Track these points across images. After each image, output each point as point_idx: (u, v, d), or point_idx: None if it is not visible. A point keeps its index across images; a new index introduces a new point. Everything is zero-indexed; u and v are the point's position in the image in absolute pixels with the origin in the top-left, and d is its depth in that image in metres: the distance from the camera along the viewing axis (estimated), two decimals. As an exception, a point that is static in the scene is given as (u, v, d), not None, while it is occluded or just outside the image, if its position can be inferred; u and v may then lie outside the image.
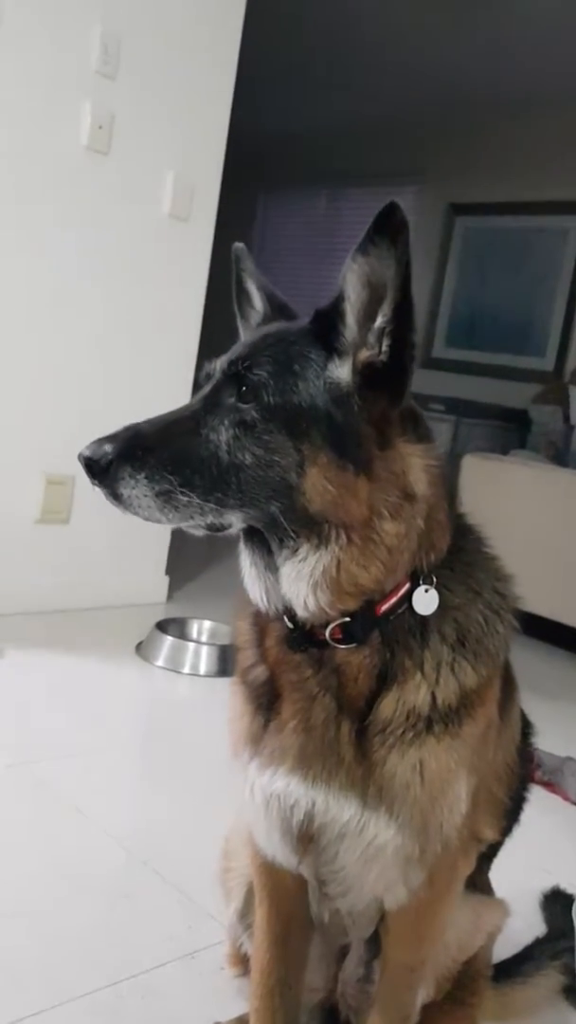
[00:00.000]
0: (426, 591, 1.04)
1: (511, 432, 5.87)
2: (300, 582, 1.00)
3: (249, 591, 1.08)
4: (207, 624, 3.41)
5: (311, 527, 0.99)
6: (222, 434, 1.01)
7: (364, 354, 0.99)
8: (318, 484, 0.97)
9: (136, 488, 0.99)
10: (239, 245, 1.23)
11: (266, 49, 4.70)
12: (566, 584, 3.76)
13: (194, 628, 3.39)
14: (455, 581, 1.07)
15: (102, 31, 3.19)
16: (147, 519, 1.02)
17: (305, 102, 6.52)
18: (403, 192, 6.94)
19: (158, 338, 3.62)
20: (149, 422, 1.05)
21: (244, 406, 1.00)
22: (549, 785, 2.55)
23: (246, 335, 1.18)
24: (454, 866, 1.15)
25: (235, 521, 1.03)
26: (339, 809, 1.06)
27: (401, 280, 0.94)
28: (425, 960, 1.21)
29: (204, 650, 3.11)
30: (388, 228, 0.93)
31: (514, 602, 1.12)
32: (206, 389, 1.06)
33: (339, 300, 0.99)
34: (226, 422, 1.01)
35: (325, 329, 1.01)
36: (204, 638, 3.33)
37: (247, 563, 1.08)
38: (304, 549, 0.99)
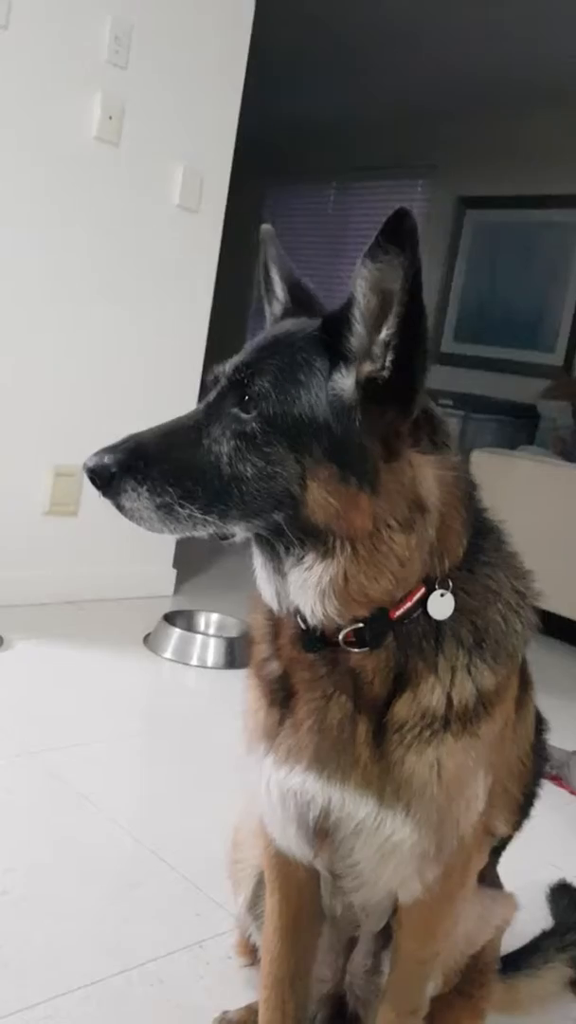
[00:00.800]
0: (441, 595, 1.02)
1: (519, 428, 5.85)
2: (307, 591, 0.99)
3: (262, 592, 1.08)
4: (214, 617, 3.42)
5: (316, 537, 0.97)
6: (223, 445, 0.99)
7: (367, 368, 0.96)
8: (319, 497, 0.96)
9: (138, 501, 0.99)
10: (267, 227, 1.18)
11: (276, 40, 4.69)
12: (574, 580, 3.75)
13: (202, 621, 3.39)
14: (473, 583, 1.06)
15: (113, 21, 3.19)
16: (150, 530, 1.02)
17: (315, 94, 6.50)
18: (413, 185, 6.93)
19: (167, 330, 3.62)
20: (151, 431, 1.03)
21: (245, 416, 0.99)
22: (556, 779, 2.56)
23: (265, 331, 1.14)
24: (468, 861, 1.16)
25: (239, 531, 1.02)
26: (355, 806, 1.06)
27: (408, 292, 0.90)
28: (437, 953, 1.21)
29: (212, 642, 3.12)
30: (397, 236, 0.89)
31: (533, 599, 1.11)
32: (211, 396, 1.04)
33: (348, 306, 0.96)
34: (227, 432, 1.00)
35: (333, 336, 0.98)
36: (212, 631, 3.34)
37: (259, 565, 1.07)
38: (310, 558, 0.98)
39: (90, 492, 3.91)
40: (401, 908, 1.16)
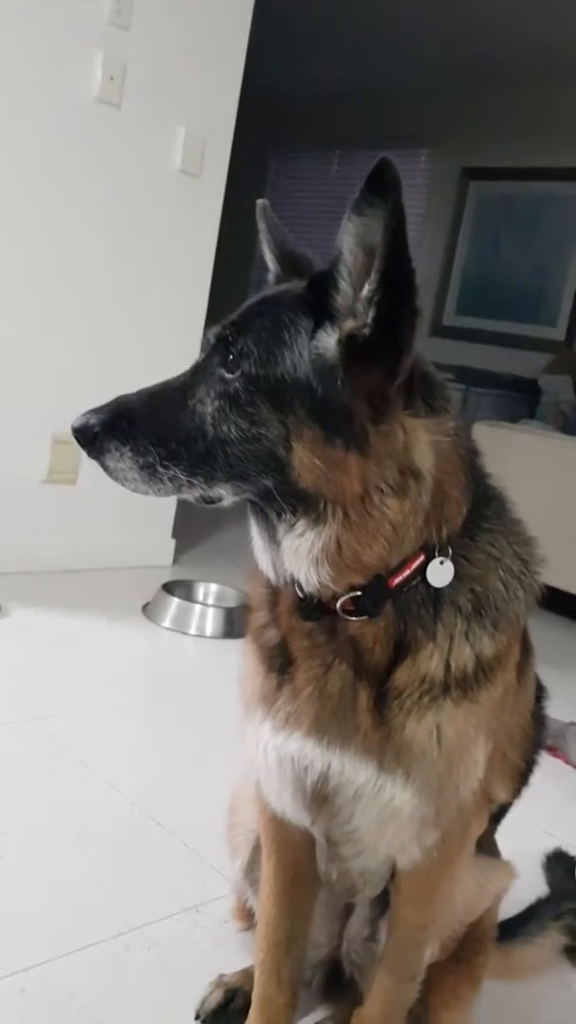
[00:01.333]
0: (441, 563, 1.01)
1: (520, 402, 5.83)
2: (300, 558, 0.98)
3: (258, 561, 1.06)
4: (213, 587, 3.41)
5: (307, 502, 0.95)
6: (208, 406, 0.99)
7: (349, 324, 0.93)
8: (305, 459, 0.94)
9: (121, 461, 0.99)
10: (262, 201, 1.17)
11: (280, 7, 4.61)
12: (573, 554, 3.75)
13: (200, 591, 3.39)
14: (474, 550, 1.04)
15: (115, -20, 3.13)
16: (135, 491, 1.01)
17: (320, 61, 6.42)
18: (416, 155, 6.85)
19: (168, 295, 3.59)
20: (138, 393, 1.03)
21: (229, 376, 0.97)
22: (552, 750, 2.56)
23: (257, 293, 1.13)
24: (467, 826, 1.15)
25: (225, 494, 1.01)
26: (355, 772, 1.05)
27: (391, 244, 0.87)
28: (435, 919, 1.21)
29: (210, 612, 3.12)
30: (379, 187, 0.86)
31: (537, 565, 1.10)
32: (200, 357, 1.04)
33: (334, 263, 0.93)
34: (212, 393, 0.99)
35: (318, 293, 0.95)
36: (210, 601, 3.33)
37: (254, 534, 1.06)
38: (302, 525, 0.97)
39: (89, 461, 3.91)
40: (399, 874, 1.16)
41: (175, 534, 3.87)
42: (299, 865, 1.24)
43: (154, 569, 3.68)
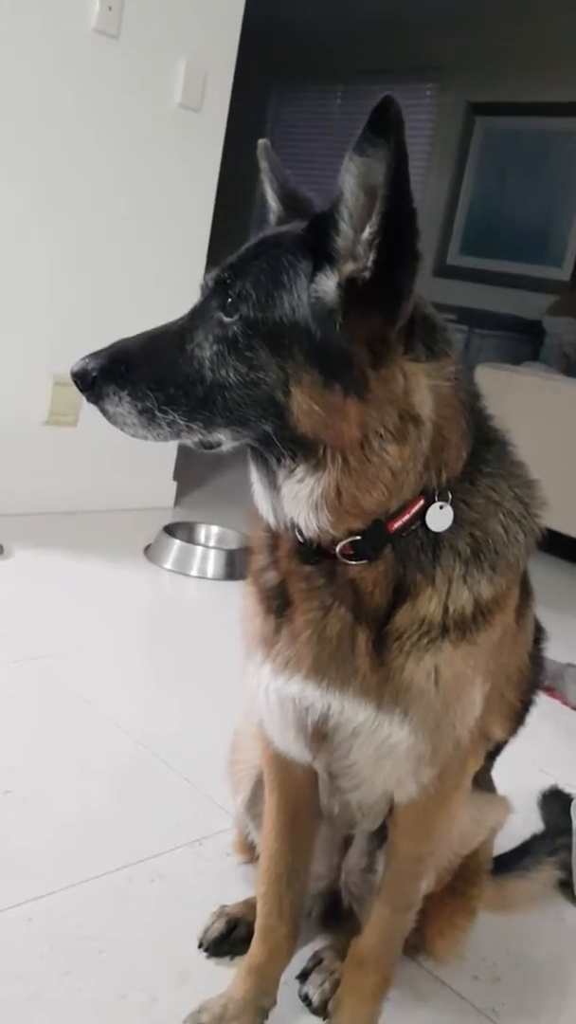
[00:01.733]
0: (440, 508, 1.01)
1: (524, 344, 5.78)
2: (300, 503, 0.98)
3: (258, 507, 1.07)
4: (215, 529, 3.43)
5: (307, 448, 0.95)
6: (206, 350, 0.98)
7: (349, 267, 0.92)
8: (304, 404, 0.93)
9: (120, 405, 0.99)
10: (263, 141, 1.15)
11: None
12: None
13: (202, 532, 3.41)
14: (474, 494, 1.04)
15: None
16: (134, 436, 1.01)
17: (323, -10, 6.25)
18: (421, 90, 6.70)
19: (168, 233, 3.53)
20: (137, 337, 1.03)
21: (227, 320, 0.97)
22: (549, 690, 2.60)
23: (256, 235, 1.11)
24: (464, 763, 1.17)
25: (224, 439, 1.01)
26: (354, 712, 1.07)
27: (392, 185, 0.85)
28: (432, 852, 1.24)
29: (212, 554, 3.13)
30: (381, 125, 0.84)
31: (538, 508, 1.10)
32: (198, 300, 1.03)
33: (335, 204, 0.91)
34: (210, 337, 0.98)
35: (318, 235, 0.94)
36: (212, 543, 3.35)
37: (254, 479, 1.06)
38: (301, 470, 0.97)
39: (90, 403, 3.88)
40: (397, 808, 1.18)
41: (176, 476, 3.87)
42: (301, 800, 1.27)
43: (155, 511, 3.69)
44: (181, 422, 0.99)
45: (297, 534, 1.02)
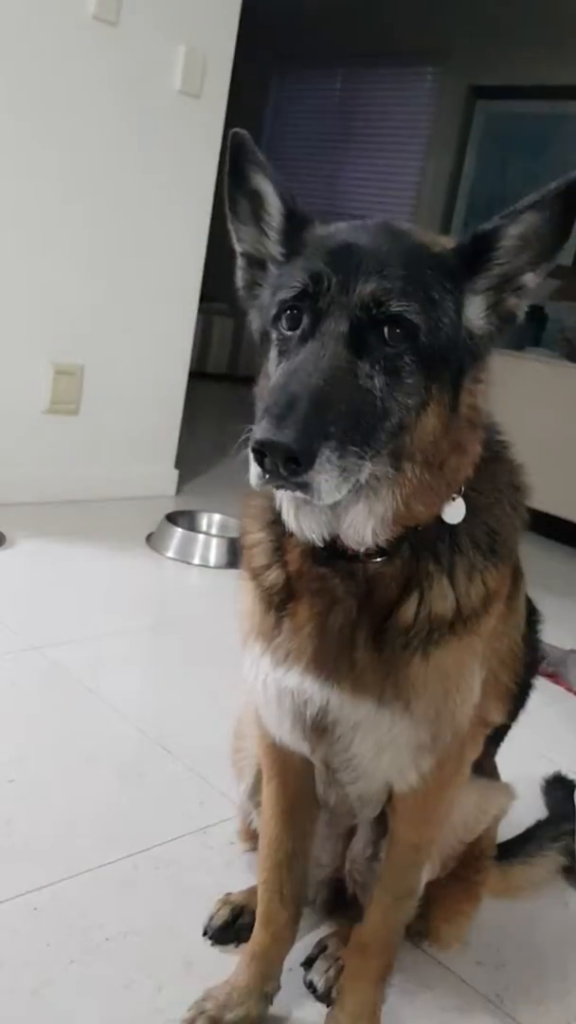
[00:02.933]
0: (453, 499, 1.02)
1: (526, 329, 5.75)
2: (371, 518, 0.97)
3: (288, 523, 1.03)
4: (216, 517, 3.43)
5: (396, 465, 0.95)
6: (376, 381, 0.93)
7: (512, 302, 0.98)
8: (431, 423, 0.95)
9: (331, 471, 0.87)
10: (240, 132, 1.07)
11: None
12: (577, 482, 3.75)
13: (204, 521, 3.41)
14: (481, 482, 1.06)
15: None
16: (327, 501, 0.90)
17: (322, -27, 6.20)
18: (422, 73, 6.66)
19: (169, 219, 3.52)
20: (311, 380, 0.89)
21: (391, 350, 0.93)
22: (553, 676, 2.60)
23: (368, 237, 1.00)
24: (463, 750, 1.18)
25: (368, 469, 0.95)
26: (354, 706, 1.07)
27: (557, 251, 0.96)
28: (432, 839, 1.25)
29: (214, 542, 3.13)
30: (569, 198, 0.94)
31: (527, 494, 1.12)
32: (342, 324, 0.93)
33: (493, 237, 0.97)
34: (377, 367, 0.93)
35: (475, 262, 0.98)
36: (214, 531, 3.35)
37: (287, 497, 1.01)
38: (384, 487, 0.96)
39: (91, 391, 3.87)
40: (396, 796, 1.19)
41: (178, 464, 3.87)
42: (298, 789, 1.27)
43: (157, 499, 3.69)
44: (368, 465, 0.91)
45: (324, 542, 1.01)
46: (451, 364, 0.96)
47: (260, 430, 0.85)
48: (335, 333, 0.93)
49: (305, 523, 1.01)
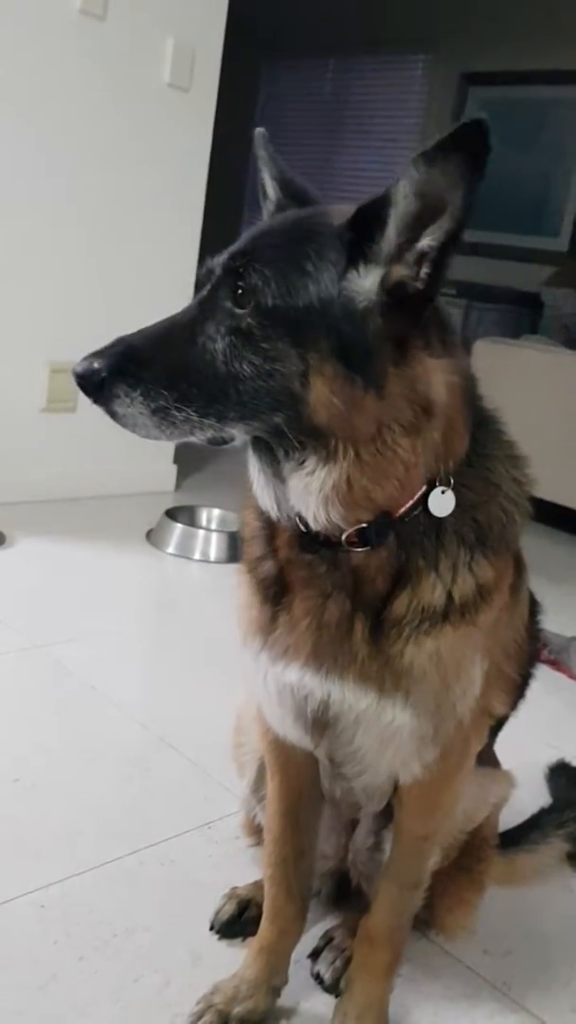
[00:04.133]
0: (442, 492, 1.01)
1: (523, 316, 5.75)
2: (309, 496, 0.97)
3: (258, 498, 1.05)
4: (216, 512, 3.43)
5: (318, 439, 0.94)
6: (218, 342, 0.95)
7: (400, 272, 0.91)
8: (323, 396, 0.92)
9: (132, 407, 0.95)
10: (259, 130, 1.13)
11: None
12: (576, 469, 3.75)
13: (203, 516, 3.41)
14: (473, 477, 1.05)
15: None
16: (145, 436, 0.98)
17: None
18: (414, 61, 6.63)
19: (161, 216, 3.51)
20: (142, 332, 0.98)
21: (239, 311, 0.94)
22: (555, 664, 2.60)
23: (263, 221, 1.08)
24: (467, 741, 1.18)
25: (237, 434, 0.99)
26: (355, 699, 1.07)
27: (464, 209, 0.87)
28: (438, 830, 1.25)
29: (214, 537, 3.13)
30: (468, 146, 0.84)
31: (530, 487, 1.10)
32: (204, 290, 0.99)
33: (384, 204, 0.90)
34: (222, 328, 0.95)
35: (360, 232, 0.93)
36: (213, 526, 3.35)
37: (255, 470, 1.04)
38: (311, 462, 0.96)
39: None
40: (402, 788, 1.19)
41: (176, 460, 3.87)
42: (303, 784, 1.27)
43: (156, 495, 3.69)
44: (195, 419, 0.96)
45: (300, 524, 1.02)
46: (325, 333, 0.92)
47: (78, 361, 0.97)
48: (197, 297, 1.00)
49: (263, 494, 1.04)
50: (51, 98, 3.09)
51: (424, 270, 0.91)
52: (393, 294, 0.92)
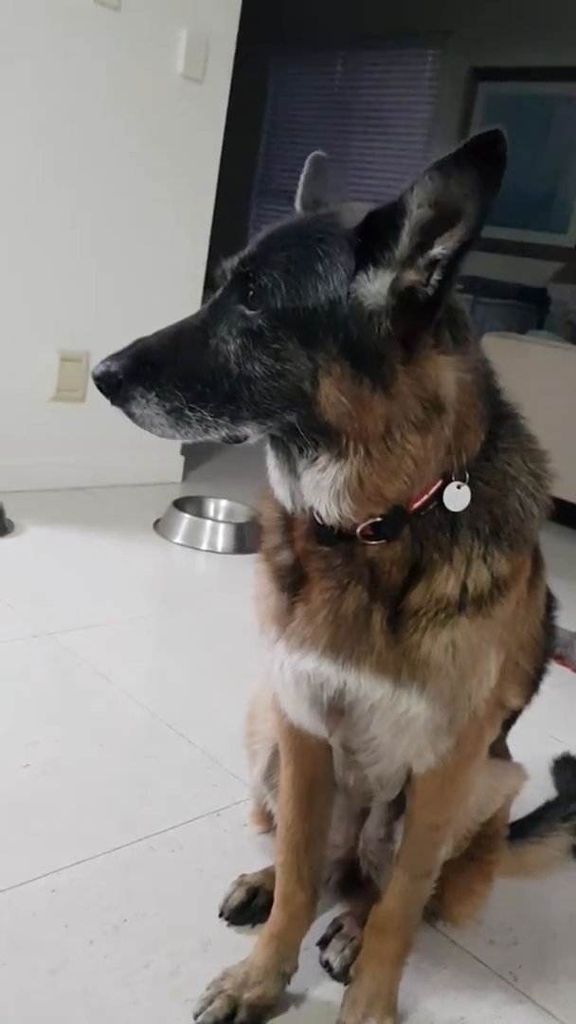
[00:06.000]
0: (458, 487, 1.02)
1: (529, 311, 5.75)
2: (321, 492, 0.99)
3: (275, 492, 1.07)
4: (223, 503, 3.43)
5: (330, 437, 0.96)
6: (230, 344, 0.98)
7: (411, 277, 0.93)
8: (331, 395, 0.94)
9: (148, 407, 0.98)
10: (317, 153, 1.17)
11: None
12: (582, 465, 3.75)
13: (211, 507, 3.41)
14: (491, 471, 1.05)
15: None
16: (161, 436, 1.01)
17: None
18: (423, 56, 6.62)
19: (172, 207, 3.51)
20: (157, 335, 1.01)
21: (250, 313, 0.96)
22: (560, 658, 2.61)
23: (275, 223, 1.07)
24: (481, 732, 1.19)
25: (251, 432, 1.01)
26: (371, 688, 1.08)
27: (478, 219, 0.88)
28: (450, 820, 1.26)
29: (221, 527, 3.14)
30: (484, 157, 0.86)
31: (549, 481, 1.11)
32: (216, 293, 1.02)
33: (397, 210, 0.91)
34: (233, 330, 0.98)
35: (371, 237, 0.94)
36: (221, 516, 3.36)
37: (272, 464, 1.07)
38: (323, 459, 0.97)
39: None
40: (415, 778, 1.20)
41: (184, 451, 3.87)
42: (316, 772, 1.28)
43: (164, 486, 3.70)
44: (209, 419, 0.99)
45: (316, 517, 1.03)
46: (333, 334, 0.93)
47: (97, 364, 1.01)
48: (210, 300, 1.02)
49: (278, 488, 1.06)
50: (65, 87, 3.09)
51: (435, 276, 0.92)
52: (403, 298, 0.93)
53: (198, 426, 0.99)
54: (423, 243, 0.92)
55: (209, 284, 3.88)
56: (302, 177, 1.15)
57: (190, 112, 3.45)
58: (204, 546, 3.10)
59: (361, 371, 0.93)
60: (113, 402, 1.00)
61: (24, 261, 3.17)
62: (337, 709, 1.13)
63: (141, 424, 1.00)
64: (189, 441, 1.04)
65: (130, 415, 1.00)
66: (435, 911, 1.44)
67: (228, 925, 1.42)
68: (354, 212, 0.99)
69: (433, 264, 0.92)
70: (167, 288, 3.48)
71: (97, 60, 3.14)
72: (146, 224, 3.45)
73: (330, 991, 1.33)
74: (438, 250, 0.91)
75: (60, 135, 3.12)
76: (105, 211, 3.32)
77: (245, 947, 1.32)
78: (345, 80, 7.19)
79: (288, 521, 1.12)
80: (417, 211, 0.90)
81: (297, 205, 1.15)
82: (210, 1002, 1.24)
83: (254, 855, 1.56)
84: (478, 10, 6.10)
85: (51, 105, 3.07)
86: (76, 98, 3.13)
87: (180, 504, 3.23)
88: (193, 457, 3.96)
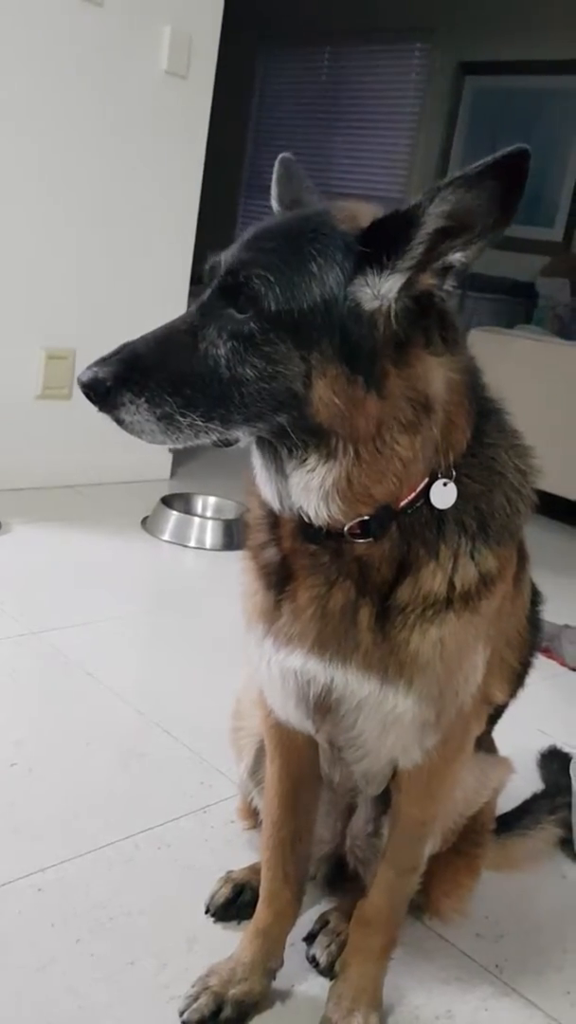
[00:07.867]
0: (444, 484, 1.02)
1: (517, 306, 5.75)
2: (310, 493, 0.99)
3: (262, 492, 1.07)
4: (211, 500, 3.43)
5: (320, 438, 0.96)
6: (220, 348, 0.96)
7: (428, 281, 0.93)
8: (325, 396, 0.94)
9: (137, 414, 0.96)
10: (286, 155, 1.15)
11: None
12: (571, 459, 3.76)
13: (199, 503, 3.41)
14: (477, 467, 1.06)
15: None
16: (151, 442, 0.99)
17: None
18: (410, 50, 6.61)
19: (157, 202, 3.50)
20: (145, 339, 0.99)
21: (241, 316, 0.95)
22: (547, 651, 2.62)
23: (264, 221, 1.07)
24: (467, 727, 1.19)
25: (242, 435, 1.00)
26: (358, 685, 1.08)
27: (496, 233, 0.90)
28: (436, 815, 1.26)
29: (209, 524, 3.14)
30: (508, 173, 0.88)
31: (534, 476, 1.11)
32: (204, 295, 1.00)
33: (412, 217, 0.91)
34: (224, 334, 0.96)
35: (376, 240, 0.93)
36: (209, 513, 3.36)
37: (259, 465, 1.06)
38: (313, 460, 0.97)
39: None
40: (401, 774, 1.20)
41: (171, 448, 3.86)
42: (302, 768, 1.28)
43: (152, 483, 3.69)
44: (200, 423, 0.97)
45: (303, 517, 1.03)
46: (328, 334, 0.93)
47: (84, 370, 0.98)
48: (197, 303, 1.00)
49: (265, 488, 1.06)
50: (48, 84, 3.08)
51: (450, 282, 0.94)
52: (420, 302, 0.94)
53: (189, 431, 0.98)
54: (438, 250, 0.92)
55: (196, 280, 3.88)
56: (274, 178, 1.14)
57: (175, 108, 3.44)
58: (192, 543, 3.09)
59: (356, 372, 0.93)
60: (101, 409, 0.98)
61: (8, 258, 3.15)
62: (324, 706, 1.13)
63: (131, 431, 0.98)
64: (180, 447, 1.03)
65: (119, 422, 0.98)
66: (421, 905, 1.44)
67: (214, 922, 1.42)
68: (345, 212, 1.00)
69: (447, 270, 0.93)
70: (153, 285, 3.48)
71: (80, 56, 3.13)
72: (131, 221, 3.44)
73: (316, 987, 1.33)
74: (454, 258, 0.92)
75: (44, 132, 3.11)
76: (90, 208, 3.31)
77: (231, 944, 1.32)
78: (332, 75, 7.17)
79: (274, 519, 1.12)
80: (433, 220, 0.91)
81: (274, 205, 1.14)
82: (196, 999, 1.24)
83: (240, 851, 1.57)
84: (464, 4, 6.10)
85: (34, 102, 3.06)
86: (60, 95, 3.11)
87: (168, 501, 3.23)
88: (181, 454, 3.96)
